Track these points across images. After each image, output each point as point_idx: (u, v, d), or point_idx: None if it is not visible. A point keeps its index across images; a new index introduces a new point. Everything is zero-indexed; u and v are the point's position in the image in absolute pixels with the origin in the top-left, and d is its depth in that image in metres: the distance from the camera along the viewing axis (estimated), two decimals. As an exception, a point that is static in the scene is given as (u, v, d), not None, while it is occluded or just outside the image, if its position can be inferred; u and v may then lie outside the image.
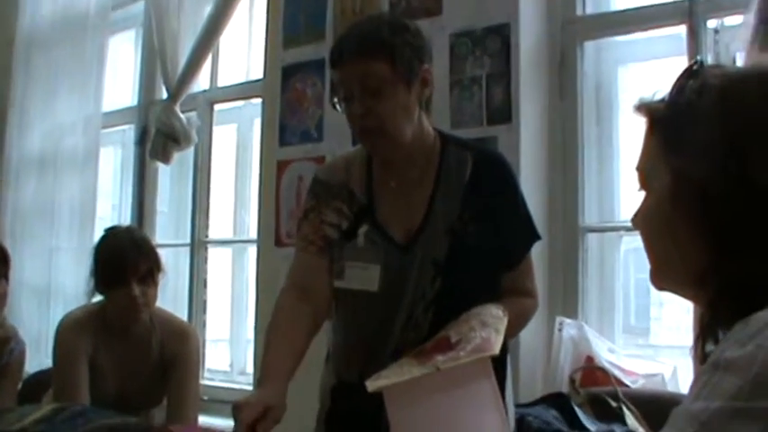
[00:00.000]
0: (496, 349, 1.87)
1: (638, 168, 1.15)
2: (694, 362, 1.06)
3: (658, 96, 1.13)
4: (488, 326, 1.95)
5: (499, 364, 2.10)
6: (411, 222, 2.18)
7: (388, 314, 2.16)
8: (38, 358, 3.07)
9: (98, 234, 2.88)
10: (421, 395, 1.88)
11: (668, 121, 1.10)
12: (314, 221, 2.26)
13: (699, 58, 1.15)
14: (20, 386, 3.07)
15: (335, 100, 2.15)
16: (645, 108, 1.14)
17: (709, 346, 1.04)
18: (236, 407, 1.95)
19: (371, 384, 1.89)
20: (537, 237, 2.29)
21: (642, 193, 1.16)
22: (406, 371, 1.91)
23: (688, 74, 1.10)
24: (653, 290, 3.45)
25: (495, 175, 2.22)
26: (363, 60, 2.07)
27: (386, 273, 2.15)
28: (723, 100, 1.04)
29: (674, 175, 1.07)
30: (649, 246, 1.14)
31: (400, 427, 1.89)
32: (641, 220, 1.15)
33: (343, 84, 2.12)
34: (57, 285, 5.33)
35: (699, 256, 1.05)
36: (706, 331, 1.05)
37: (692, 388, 0.97)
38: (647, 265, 1.16)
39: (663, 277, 1.14)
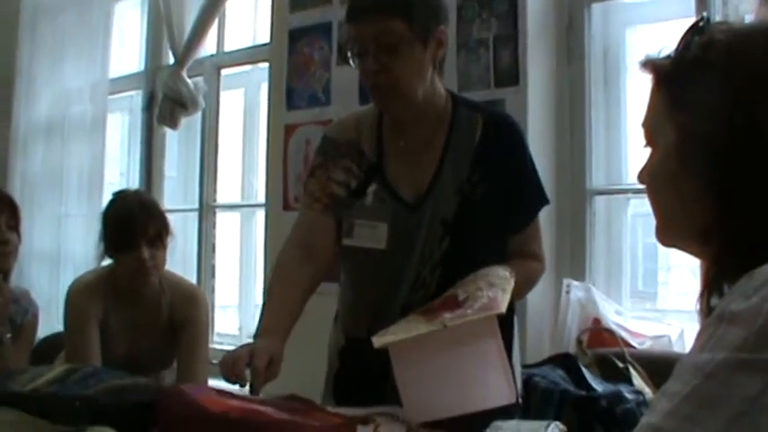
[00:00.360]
0: (503, 308, 1.88)
1: (644, 125, 1.16)
2: (699, 316, 1.06)
3: (664, 53, 1.13)
4: (495, 286, 1.96)
5: (506, 324, 2.11)
6: (420, 182, 2.18)
7: (395, 273, 2.17)
8: (49, 324, 3.09)
9: (107, 200, 2.89)
10: (427, 352, 1.89)
11: (674, 77, 1.10)
12: (321, 179, 2.27)
13: (705, 14, 1.15)
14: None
15: (349, 54, 2.14)
16: (651, 64, 1.14)
17: (715, 300, 1.04)
18: (243, 350, 1.97)
19: (378, 340, 1.91)
20: (545, 201, 2.29)
21: (648, 150, 1.16)
22: (413, 327, 1.92)
23: (694, 30, 1.10)
24: (660, 254, 3.43)
25: (506, 138, 2.22)
26: (381, 17, 2.06)
27: (394, 231, 2.16)
28: (729, 55, 1.04)
29: (679, 131, 1.08)
30: (655, 202, 1.15)
31: (406, 384, 1.90)
32: (647, 177, 1.15)
33: (357, 40, 2.11)
34: (66, 252, 5.36)
35: (704, 211, 1.05)
36: (711, 285, 1.05)
37: (696, 340, 0.97)
38: (654, 229, 1.17)
39: (668, 233, 1.15)
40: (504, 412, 1.96)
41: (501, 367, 1.90)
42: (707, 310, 1.04)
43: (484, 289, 1.94)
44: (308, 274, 2.21)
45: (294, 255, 2.24)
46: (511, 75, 3.50)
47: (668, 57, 1.12)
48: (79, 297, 2.74)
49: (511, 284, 1.99)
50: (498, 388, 1.90)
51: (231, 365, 1.95)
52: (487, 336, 1.89)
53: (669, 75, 1.11)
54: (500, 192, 2.16)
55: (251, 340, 4.82)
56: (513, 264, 2.13)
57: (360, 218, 2.19)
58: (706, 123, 1.03)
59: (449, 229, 2.15)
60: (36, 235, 5.22)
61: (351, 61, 2.14)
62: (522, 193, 2.22)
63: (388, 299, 2.17)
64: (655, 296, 3.97)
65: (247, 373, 1.95)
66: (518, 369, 2.31)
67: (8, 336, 2.59)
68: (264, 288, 4.36)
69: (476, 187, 2.15)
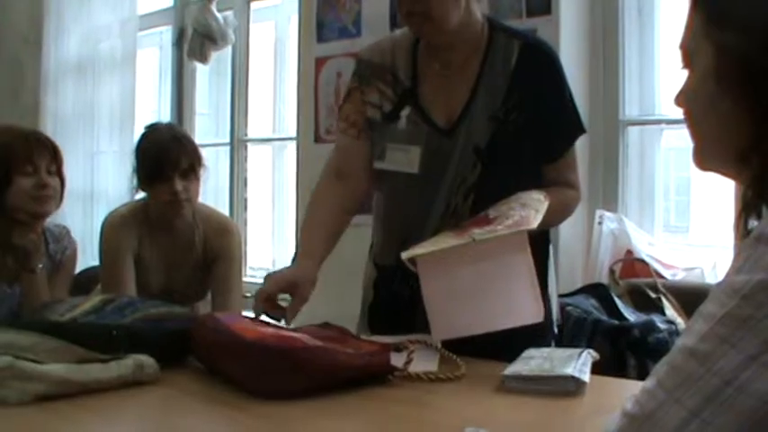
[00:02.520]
0: (534, 225, 1.88)
1: (681, 46, 1.14)
2: (736, 239, 1.06)
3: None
4: (528, 206, 1.95)
5: (541, 253, 2.14)
6: (454, 107, 2.15)
7: (427, 199, 2.16)
8: (83, 260, 3.12)
9: (138, 136, 2.89)
10: (455, 265, 1.89)
11: (712, -3, 1.08)
12: (356, 102, 2.26)
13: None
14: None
15: None
16: (688, -16, 1.12)
17: (752, 223, 1.03)
18: (265, 278, 2.05)
19: (407, 254, 1.92)
20: (582, 130, 2.24)
21: (685, 73, 1.14)
22: (442, 242, 1.92)
23: (733, -53, 1.07)
24: (693, 189, 3.39)
25: (542, 65, 2.18)
26: None
27: (426, 156, 2.14)
28: None
29: (717, 51, 1.06)
30: (692, 124, 1.13)
31: (432, 299, 1.91)
32: (684, 99, 1.13)
33: None
34: (99, 189, 5.41)
35: (743, 132, 1.04)
36: (749, 207, 1.04)
37: (733, 263, 0.96)
38: (687, 164, 1.15)
39: (706, 156, 1.13)
40: (538, 340, 1.97)
41: (529, 284, 1.89)
42: (744, 233, 1.03)
43: (517, 209, 1.93)
44: (342, 198, 2.23)
45: (329, 181, 2.26)
46: (543, 3, 3.45)
47: (706, -24, 1.10)
48: (114, 229, 2.77)
49: (544, 206, 1.98)
50: (526, 305, 1.90)
51: (263, 304, 2.02)
52: (516, 251, 1.88)
53: (707, -6, 1.09)
54: (535, 119, 2.13)
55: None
56: (548, 191, 2.10)
57: (392, 141, 2.18)
58: (744, 41, 1.02)
59: (481, 155, 2.12)
60: (69, 172, 5.19)
61: None
62: (559, 120, 2.19)
63: (418, 225, 2.15)
64: (687, 230, 3.96)
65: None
66: (554, 298, 2.31)
67: (40, 266, 2.62)
68: (297, 220, 4.39)
69: (510, 114, 2.12)
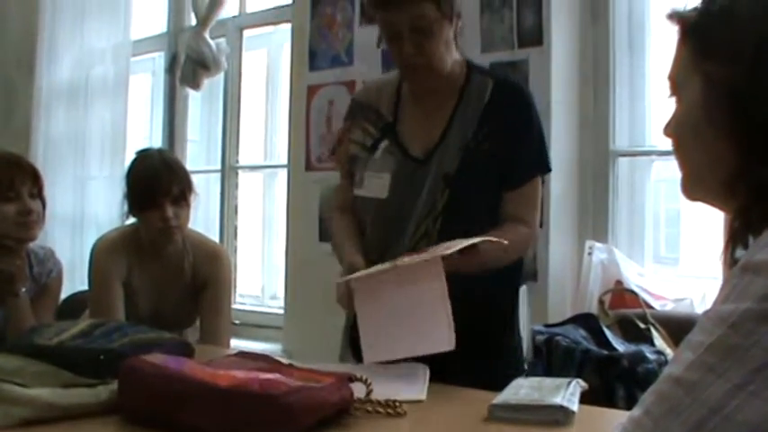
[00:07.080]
0: (449, 252, 1.94)
1: (670, 77, 1.15)
2: (723, 268, 1.06)
3: (690, 7, 1.13)
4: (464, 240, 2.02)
5: (511, 292, 2.35)
6: (430, 139, 2.29)
7: (400, 223, 2.29)
8: (72, 285, 3.11)
9: (129, 162, 2.88)
10: (380, 288, 2.02)
11: (700, 28, 1.10)
12: (345, 143, 2.42)
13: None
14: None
15: (380, 38, 2.27)
16: (677, 16, 1.14)
17: (739, 252, 1.04)
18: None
19: (345, 276, 2.09)
20: (544, 169, 2.35)
21: (673, 104, 1.15)
22: (375, 268, 2.07)
23: (721, -19, 1.09)
24: (683, 220, 3.38)
25: (513, 101, 2.31)
26: (413, 3, 2.16)
27: (399, 183, 2.28)
28: (755, 4, 1.04)
29: (704, 82, 1.07)
30: (680, 154, 1.15)
31: (362, 314, 2.04)
32: (673, 129, 1.15)
33: (391, 25, 2.21)
34: (89, 214, 5.38)
35: (729, 161, 1.05)
36: (736, 237, 1.05)
37: (720, 291, 0.97)
38: (677, 196, 1.16)
39: (694, 186, 1.15)
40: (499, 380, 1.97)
41: (443, 312, 1.95)
42: (731, 262, 1.04)
43: (455, 241, 2.02)
44: (354, 223, 2.40)
45: (345, 218, 2.42)
46: (534, 35, 3.47)
47: (695, 9, 1.12)
48: (103, 254, 2.76)
49: (472, 240, 2.02)
50: (437, 333, 1.95)
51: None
52: (432, 278, 1.96)
53: (695, 25, 1.11)
54: (501, 149, 2.24)
55: (273, 301, 4.89)
56: (502, 227, 2.22)
57: (368, 170, 2.32)
58: (731, 73, 1.03)
59: (450, 181, 2.24)
60: (59, 197, 5.24)
61: (379, 43, 2.29)
62: (521, 152, 2.28)
63: (392, 248, 2.26)
64: (676, 261, 3.96)
65: None
66: (524, 336, 2.41)
67: (23, 290, 2.61)
68: (287, 248, 4.39)
69: (480, 144, 2.25)
